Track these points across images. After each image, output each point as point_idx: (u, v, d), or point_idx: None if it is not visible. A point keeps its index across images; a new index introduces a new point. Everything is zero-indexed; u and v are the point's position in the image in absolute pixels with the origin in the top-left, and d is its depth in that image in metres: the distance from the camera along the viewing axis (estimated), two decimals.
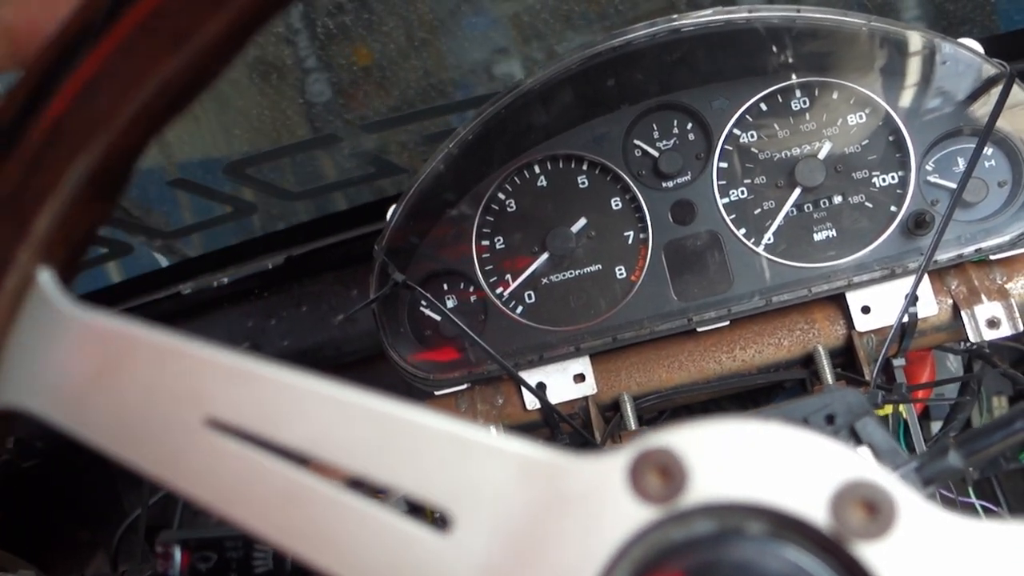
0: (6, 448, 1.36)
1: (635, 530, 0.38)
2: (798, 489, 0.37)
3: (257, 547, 0.60)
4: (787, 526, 0.38)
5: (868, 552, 0.36)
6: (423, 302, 1.05)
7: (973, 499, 1.32)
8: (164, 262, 1.56)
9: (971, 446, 0.52)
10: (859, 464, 0.37)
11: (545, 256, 1.04)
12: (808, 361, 1.00)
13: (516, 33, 1.41)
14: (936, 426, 1.33)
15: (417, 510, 0.41)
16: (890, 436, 0.56)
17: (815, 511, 0.37)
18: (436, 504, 0.39)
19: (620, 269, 1.04)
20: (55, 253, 0.39)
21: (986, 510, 1.32)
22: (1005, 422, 0.53)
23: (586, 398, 1.01)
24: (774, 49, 0.99)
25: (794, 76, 1.02)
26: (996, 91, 0.93)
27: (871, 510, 0.36)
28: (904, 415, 0.99)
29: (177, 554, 0.60)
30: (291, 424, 0.39)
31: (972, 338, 0.95)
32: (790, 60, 1.00)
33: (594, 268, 1.04)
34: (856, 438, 0.57)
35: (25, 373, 0.39)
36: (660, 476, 0.38)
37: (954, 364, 1.29)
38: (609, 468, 0.38)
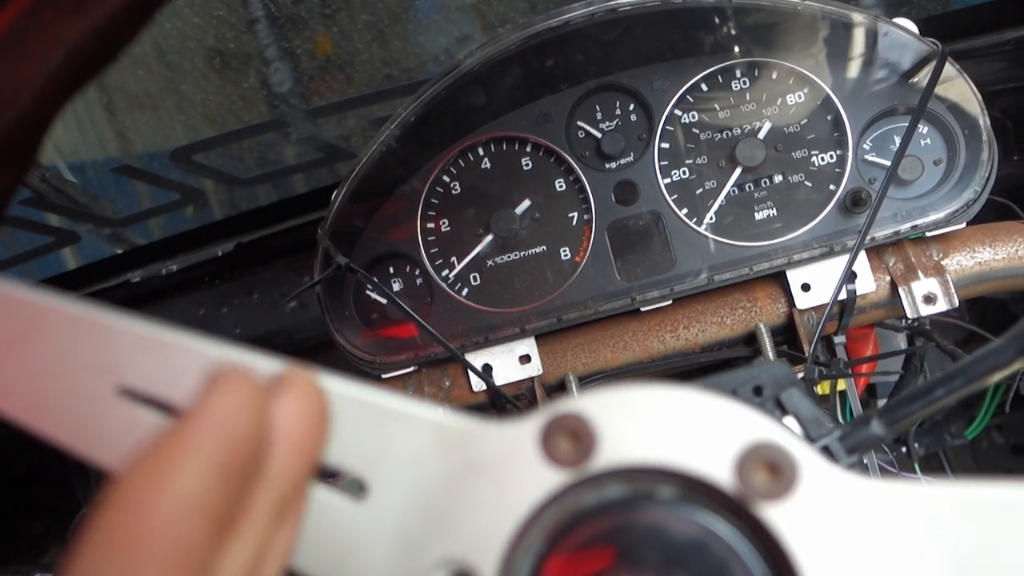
0: None
1: (547, 494, 0.38)
2: (704, 451, 0.38)
3: None
4: (695, 488, 0.38)
5: (772, 513, 0.37)
6: (368, 285, 1.05)
7: (919, 475, 1.35)
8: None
9: (893, 415, 0.53)
10: (763, 427, 0.38)
11: (490, 238, 1.04)
12: (751, 339, 1.01)
13: (480, 21, 1.41)
14: (882, 404, 1.35)
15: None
16: (814, 407, 0.57)
17: (720, 473, 0.37)
18: (352, 471, 0.39)
19: (564, 250, 1.04)
20: None
21: None
22: (925, 390, 0.54)
23: (532, 379, 1.02)
24: (712, 29, 0.99)
25: (734, 56, 1.02)
26: (929, 69, 0.95)
27: (774, 471, 0.37)
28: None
29: None
30: None
31: (909, 314, 0.96)
32: (729, 40, 1.01)
33: (538, 249, 1.04)
34: (782, 409, 0.58)
35: None
36: (571, 440, 0.38)
37: (902, 344, 1.31)
38: (521, 434, 0.38)
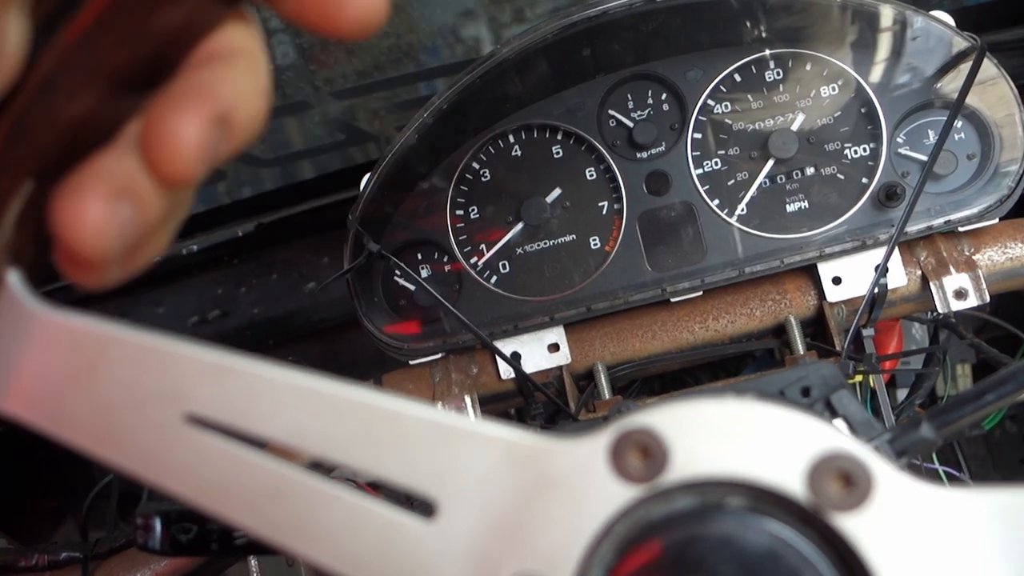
0: None
1: (618, 509, 0.38)
2: (775, 463, 0.38)
3: None
4: (766, 499, 0.39)
5: (847, 523, 0.37)
6: (397, 272, 1.05)
7: (936, 465, 1.36)
8: None
9: (943, 418, 0.53)
10: (834, 437, 0.38)
11: (520, 226, 1.04)
12: (780, 331, 1.01)
13: None
14: (901, 393, 1.36)
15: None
16: (864, 409, 0.57)
17: (792, 484, 0.38)
18: (421, 492, 0.39)
19: (594, 239, 1.04)
20: (23, 254, 0.39)
21: (949, 475, 1.36)
22: (976, 394, 0.54)
23: (560, 367, 1.02)
24: (749, 20, 0.99)
25: (768, 48, 1.02)
26: (967, 64, 0.94)
27: (847, 482, 0.37)
28: (872, 384, 1.01)
29: (157, 525, 0.60)
30: (272, 418, 0.39)
31: (940, 309, 0.96)
32: (764, 31, 1.00)
33: (568, 238, 1.04)
34: (832, 410, 0.58)
35: (0, 377, 0.39)
36: (641, 455, 0.38)
37: (919, 332, 1.31)
38: (591, 450, 0.39)
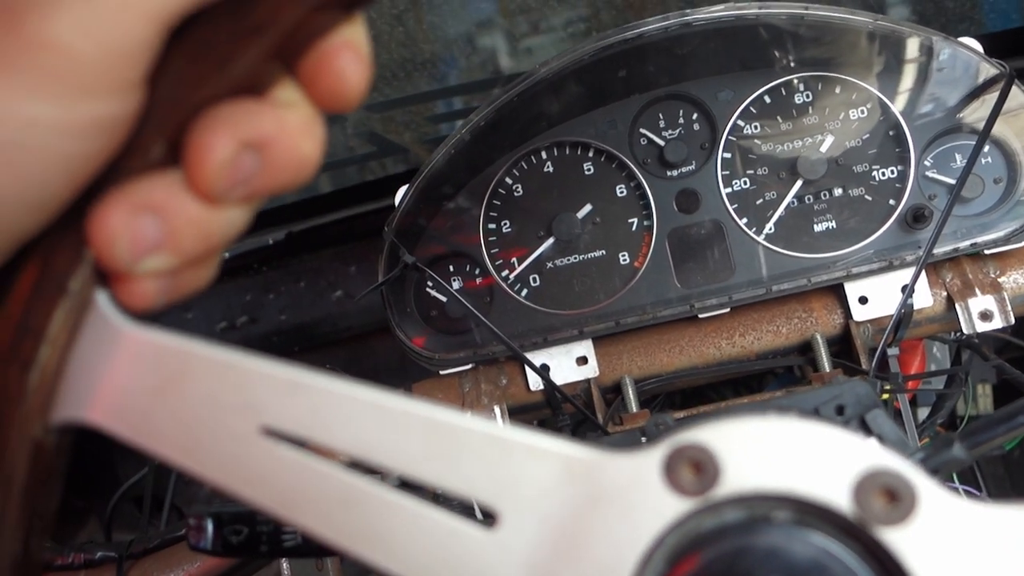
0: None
1: (671, 522, 0.40)
2: (822, 478, 0.40)
3: None
4: (812, 513, 0.40)
5: (891, 537, 0.39)
6: (429, 283, 1.07)
7: (956, 483, 1.36)
8: None
9: (975, 438, 0.55)
10: (879, 453, 0.40)
11: (551, 241, 1.06)
12: (805, 348, 1.03)
13: (500, 7, 1.41)
14: (921, 413, 1.37)
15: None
16: (898, 428, 0.59)
17: (838, 498, 0.39)
18: (483, 503, 0.42)
19: (624, 255, 1.06)
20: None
21: (968, 495, 1.36)
22: (1009, 415, 0.55)
23: (588, 380, 1.04)
24: (781, 44, 1.01)
25: (797, 71, 1.04)
26: (995, 90, 0.96)
27: (892, 497, 0.39)
28: (896, 403, 1.02)
29: (209, 527, 0.62)
30: (342, 431, 0.41)
31: (966, 330, 0.98)
32: (795, 55, 1.02)
33: (599, 254, 1.06)
34: (866, 429, 0.60)
35: (88, 389, 0.41)
36: (693, 470, 0.40)
37: (939, 352, 1.32)
38: (645, 464, 0.41)
